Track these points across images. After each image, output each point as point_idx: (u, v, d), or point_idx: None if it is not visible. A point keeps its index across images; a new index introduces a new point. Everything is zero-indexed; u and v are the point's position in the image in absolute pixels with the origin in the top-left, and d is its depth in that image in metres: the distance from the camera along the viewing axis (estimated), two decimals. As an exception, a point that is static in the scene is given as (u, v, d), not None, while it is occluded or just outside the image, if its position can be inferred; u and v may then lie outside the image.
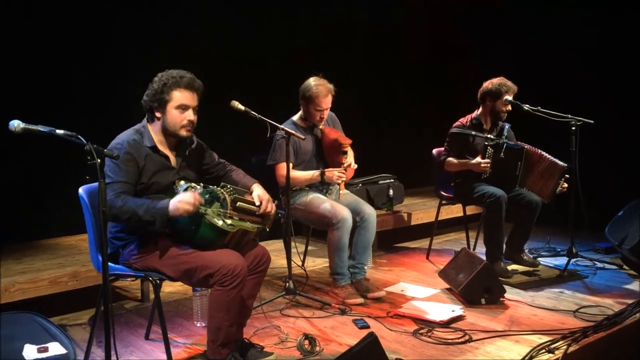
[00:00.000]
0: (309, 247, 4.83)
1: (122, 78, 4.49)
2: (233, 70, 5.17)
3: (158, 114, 2.88)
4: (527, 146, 4.38)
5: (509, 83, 4.44)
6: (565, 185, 4.38)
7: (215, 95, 3.96)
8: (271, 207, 3.04)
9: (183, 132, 2.91)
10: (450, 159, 4.55)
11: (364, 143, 4.05)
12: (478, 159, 4.36)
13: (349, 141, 4.04)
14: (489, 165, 4.33)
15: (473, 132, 4.49)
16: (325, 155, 4.14)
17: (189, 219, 2.74)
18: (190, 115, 2.89)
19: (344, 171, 3.99)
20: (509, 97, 4.42)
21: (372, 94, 6.40)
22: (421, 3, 6.76)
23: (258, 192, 3.07)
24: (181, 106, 2.86)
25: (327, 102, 3.99)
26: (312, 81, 4.01)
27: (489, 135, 4.46)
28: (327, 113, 4.05)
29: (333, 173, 3.96)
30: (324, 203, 3.96)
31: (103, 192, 2.29)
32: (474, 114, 4.61)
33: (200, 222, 2.73)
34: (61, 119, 2.76)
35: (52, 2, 4.26)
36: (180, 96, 2.86)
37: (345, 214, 3.86)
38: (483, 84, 4.54)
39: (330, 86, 4.00)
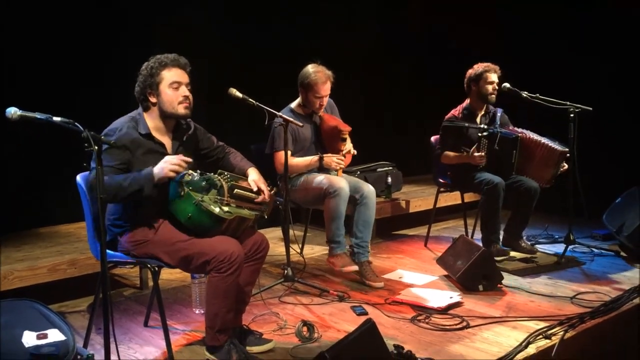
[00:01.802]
0: (308, 234, 4.84)
1: (123, 73, 4.47)
2: (235, 62, 5.16)
3: (153, 99, 2.88)
4: (521, 134, 4.36)
5: (487, 63, 4.51)
6: (565, 165, 4.39)
7: (215, 85, 3.96)
8: (269, 195, 3.04)
9: (181, 110, 2.90)
10: (446, 152, 4.56)
11: (363, 131, 4.05)
12: (474, 152, 4.37)
13: (349, 128, 4.03)
14: (484, 156, 4.34)
15: (466, 124, 4.49)
16: (324, 142, 4.14)
17: (185, 205, 2.74)
18: (184, 91, 2.89)
19: (342, 157, 3.99)
20: (493, 77, 4.47)
21: (371, 83, 6.39)
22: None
23: (253, 177, 3.07)
24: (173, 84, 2.87)
25: (326, 89, 3.98)
26: (311, 68, 3.99)
27: (482, 126, 4.45)
28: (326, 100, 4.04)
29: (332, 159, 3.97)
30: (319, 177, 3.98)
31: (101, 179, 2.29)
32: (464, 104, 4.64)
33: (197, 209, 2.73)
34: (62, 108, 2.76)
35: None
36: (170, 74, 2.87)
37: (342, 183, 3.87)
38: (467, 73, 4.59)
39: (329, 72, 3.99)
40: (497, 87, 4.50)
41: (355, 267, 3.89)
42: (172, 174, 2.71)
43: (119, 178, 2.71)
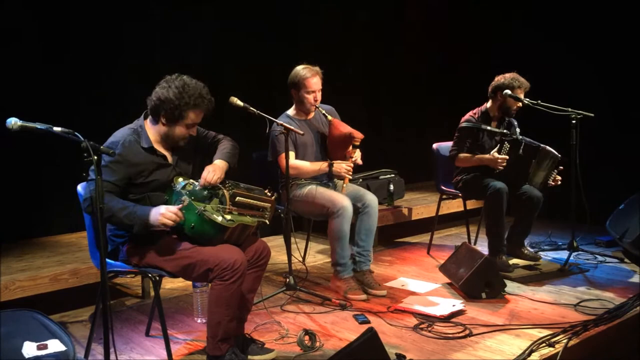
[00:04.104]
0: (310, 243, 4.83)
1: (123, 78, 4.50)
2: (236, 71, 5.18)
3: (164, 120, 2.86)
4: (542, 145, 4.31)
5: (522, 79, 4.38)
6: (559, 177, 4.38)
7: (217, 94, 3.97)
8: (212, 177, 2.87)
9: (181, 143, 2.96)
10: (461, 154, 4.45)
11: (365, 138, 4.04)
12: (495, 154, 4.29)
13: (362, 136, 3.99)
14: (505, 160, 4.27)
15: (488, 127, 4.42)
16: (330, 146, 4.12)
17: (188, 214, 2.75)
18: (193, 130, 2.94)
19: (351, 164, 3.98)
20: (522, 95, 4.36)
21: (373, 90, 6.40)
22: (422, 2, 6.76)
23: (208, 166, 2.94)
24: (190, 125, 2.90)
25: (315, 82, 3.99)
26: (298, 67, 4.03)
27: (505, 131, 4.40)
28: (319, 95, 4.03)
29: (341, 166, 3.95)
30: (323, 192, 3.96)
31: (100, 189, 2.29)
32: (483, 107, 4.55)
33: (199, 219, 2.73)
34: (63, 118, 2.77)
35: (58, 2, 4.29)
36: (193, 116, 2.87)
37: (345, 202, 3.85)
38: (495, 78, 4.47)
39: (317, 68, 4.02)
40: (520, 105, 4.41)
41: (364, 296, 3.87)
42: (163, 227, 2.72)
43: (118, 205, 2.71)
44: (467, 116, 4.55)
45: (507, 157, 4.27)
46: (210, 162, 3.02)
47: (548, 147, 4.35)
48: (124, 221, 2.72)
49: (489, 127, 4.43)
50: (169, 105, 2.81)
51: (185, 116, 2.84)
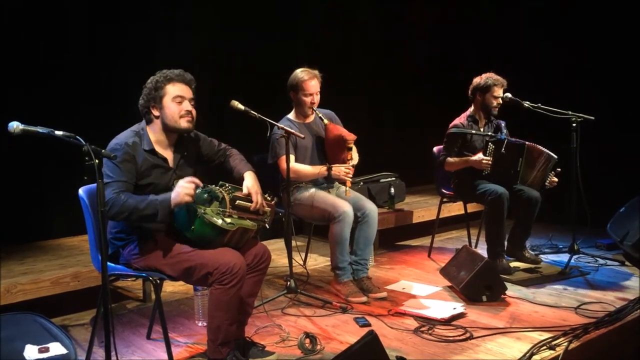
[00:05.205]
0: (311, 246, 4.83)
1: (123, 80, 4.50)
2: (235, 73, 5.18)
3: (156, 112, 2.90)
4: (527, 142, 4.37)
5: (496, 76, 4.49)
6: (555, 179, 4.40)
7: (216, 95, 3.98)
8: (261, 202, 3.01)
9: (184, 123, 2.92)
10: (449, 158, 4.53)
11: (365, 141, 4.05)
12: (479, 155, 4.35)
13: (354, 137, 4.01)
14: (490, 162, 4.33)
15: (473, 131, 4.48)
16: (327, 151, 4.14)
17: (188, 217, 2.75)
18: (187, 106, 2.92)
19: (350, 167, 3.99)
20: (500, 92, 4.45)
21: (374, 93, 6.40)
22: (424, 5, 6.77)
23: (248, 182, 3.03)
24: (177, 98, 2.90)
25: (313, 85, 4.01)
26: (297, 70, 4.06)
27: (489, 132, 4.45)
28: (317, 98, 4.05)
29: (340, 169, 3.96)
30: (325, 197, 3.97)
31: (101, 193, 2.30)
32: (468, 112, 4.62)
33: (199, 222, 2.74)
34: (62, 118, 2.77)
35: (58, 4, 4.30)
36: (174, 89, 2.90)
37: (347, 207, 3.86)
38: (473, 80, 4.57)
39: (315, 71, 4.04)
40: (500, 102, 4.49)
41: (364, 298, 3.87)
42: (188, 198, 2.71)
43: (136, 199, 2.72)
44: (455, 121, 4.62)
45: (491, 158, 4.32)
46: (225, 170, 3.12)
47: (538, 146, 4.37)
48: (146, 212, 2.70)
49: (474, 131, 4.49)
50: (149, 93, 2.90)
51: (165, 91, 2.89)
